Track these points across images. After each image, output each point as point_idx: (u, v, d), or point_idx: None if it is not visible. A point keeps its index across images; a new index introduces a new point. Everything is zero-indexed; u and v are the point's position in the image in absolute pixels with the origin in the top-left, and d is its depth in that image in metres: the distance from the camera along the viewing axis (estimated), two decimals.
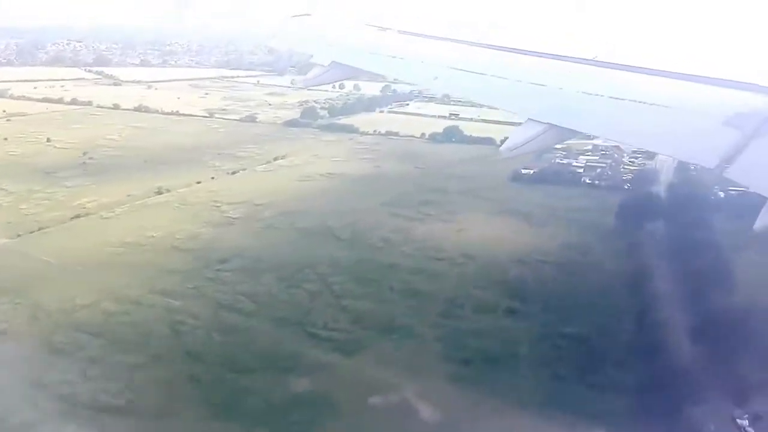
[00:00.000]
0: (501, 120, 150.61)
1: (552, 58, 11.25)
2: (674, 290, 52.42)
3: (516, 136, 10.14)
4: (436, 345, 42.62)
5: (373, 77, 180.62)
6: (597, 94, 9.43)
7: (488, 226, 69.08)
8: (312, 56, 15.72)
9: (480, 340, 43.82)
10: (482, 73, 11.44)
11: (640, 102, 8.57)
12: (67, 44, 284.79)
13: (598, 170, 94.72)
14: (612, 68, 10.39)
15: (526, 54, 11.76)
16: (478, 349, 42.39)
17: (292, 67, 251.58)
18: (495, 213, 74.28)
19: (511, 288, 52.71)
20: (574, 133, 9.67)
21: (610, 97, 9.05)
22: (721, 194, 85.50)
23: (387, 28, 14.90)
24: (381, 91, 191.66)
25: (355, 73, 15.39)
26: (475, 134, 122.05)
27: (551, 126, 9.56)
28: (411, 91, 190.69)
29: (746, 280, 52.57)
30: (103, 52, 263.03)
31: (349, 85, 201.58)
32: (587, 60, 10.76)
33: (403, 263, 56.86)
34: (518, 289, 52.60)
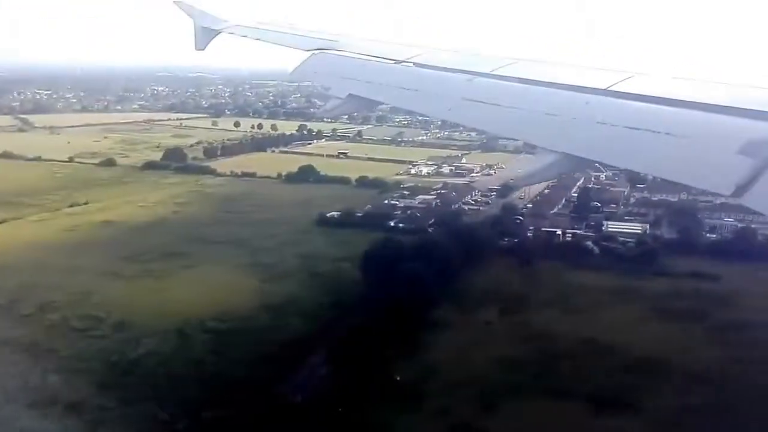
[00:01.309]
0: (389, 158, 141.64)
1: (566, 89, 10.25)
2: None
3: (530, 166, 9.22)
4: None
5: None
6: (611, 124, 8.77)
7: (203, 282, 57.72)
8: (329, 89, 16.02)
9: None
10: (496, 104, 10.98)
11: (654, 131, 8.16)
12: (36, 92, 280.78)
13: (409, 212, 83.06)
14: (626, 98, 9.25)
15: (539, 84, 10.89)
16: None
17: (232, 109, 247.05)
18: (241, 266, 62.91)
19: (111, 370, 41.12)
20: (588, 163, 9.22)
21: (625, 127, 8.51)
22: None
23: (402, 61, 14.87)
24: (297, 130, 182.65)
25: (371, 105, 15.90)
26: (331, 173, 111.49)
27: (565, 155, 8.83)
28: (320, 131, 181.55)
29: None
30: (64, 99, 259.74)
31: (267, 124, 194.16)
32: (601, 90, 9.63)
33: (20, 336, 45.56)
34: (120, 371, 41.02)
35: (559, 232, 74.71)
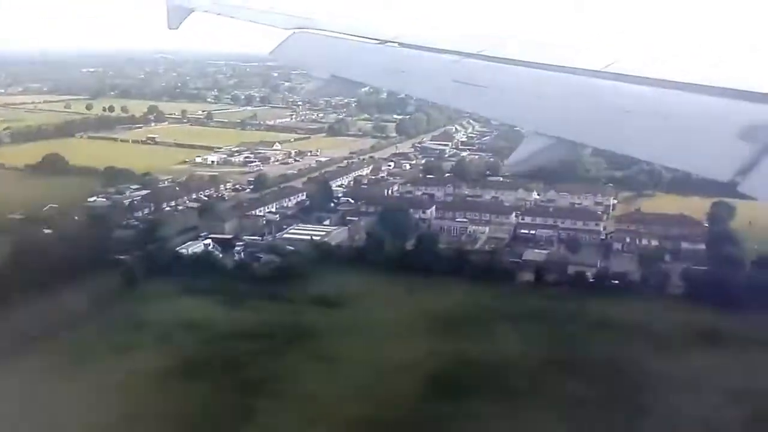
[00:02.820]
0: (199, 144, 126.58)
1: (559, 71, 9.59)
2: None
3: (521, 151, 8.25)
4: None
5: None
6: (605, 106, 8.40)
7: None
8: (311, 70, 14.41)
9: None
10: (486, 86, 10.44)
11: (651, 114, 7.67)
12: None
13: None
14: (622, 80, 8.51)
15: (532, 66, 10.24)
16: None
17: (113, 92, 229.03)
18: None
19: None
20: (582, 147, 8.35)
21: (618, 110, 8.07)
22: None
23: (388, 41, 13.64)
24: (146, 112, 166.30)
25: (355, 87, 14.22)
26: (81, 164, 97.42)
27: (558, 140, 7.98)
28: (161, 112, 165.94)
29: None
30: None
31: (118, 105, 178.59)
32: (596, 72, 8.98)
33: None
34: None
35: (208, 240, 60.56)
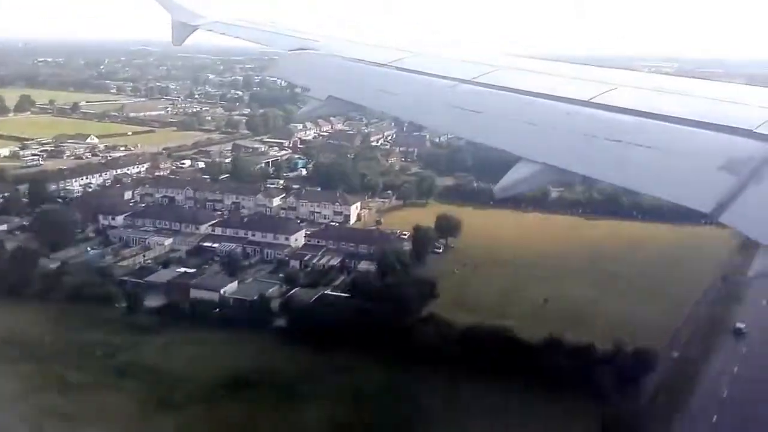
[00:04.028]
0: (18, 136, 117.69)
1: (548, 99, 10.22)
2: None
3: (509, 177, 9.01)
4: None
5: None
6: (593, 136, 8.90)
7: None
8: (309, 90, 14.87)
9: None
10: (477, 111, 10.91)
11: (635, 144, 8.27)
12: None
13: None
14: (607, 110, 9.33)
15: (522, 93, 10.74)
16: None
17: (23, 81, 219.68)
18: None
19: None
20: (569, 174, 8.89)
21: (605, 139, 8.69)
22: None
23: (384, 65, 14.02)
24: (18, 101, 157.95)
25: (351, 108, 14.98)
26: None
27: (546, 166, 8.77)
28: (43, 103, 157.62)
29: None
30: None
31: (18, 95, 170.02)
32: (583, 101, 9.64)
33: None
34: None
35: None
